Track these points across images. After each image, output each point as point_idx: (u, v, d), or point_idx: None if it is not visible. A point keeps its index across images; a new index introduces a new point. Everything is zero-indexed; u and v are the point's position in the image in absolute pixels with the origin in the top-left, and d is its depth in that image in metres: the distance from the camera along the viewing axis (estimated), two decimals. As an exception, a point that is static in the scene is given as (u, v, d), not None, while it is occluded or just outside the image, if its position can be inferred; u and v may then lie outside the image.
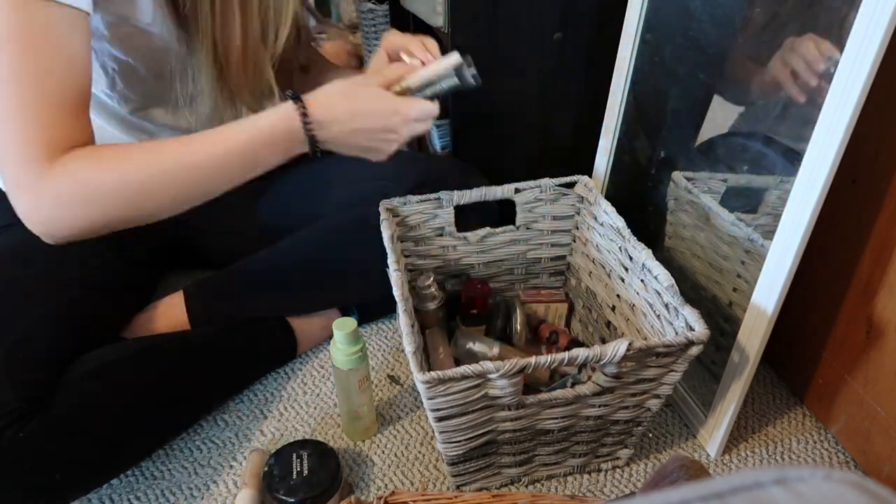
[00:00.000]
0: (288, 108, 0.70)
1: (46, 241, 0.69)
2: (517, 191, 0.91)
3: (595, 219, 0.91)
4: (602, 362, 0.65)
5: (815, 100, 0.63)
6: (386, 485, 0.81)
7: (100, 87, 0.83)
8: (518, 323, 0.90)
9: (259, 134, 0.70)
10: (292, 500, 0.70)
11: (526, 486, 0.80)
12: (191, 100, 0.82)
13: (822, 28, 0.64)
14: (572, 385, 0.71)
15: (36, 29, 0.62)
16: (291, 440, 0.82)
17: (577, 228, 0.96)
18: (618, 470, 0.82)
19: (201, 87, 0.80)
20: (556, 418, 0.71)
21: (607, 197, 0.95)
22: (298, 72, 0.94)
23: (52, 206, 0.66)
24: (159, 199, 0.69)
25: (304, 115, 0.70)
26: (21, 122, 0.64)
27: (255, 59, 0.78)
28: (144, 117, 0.88)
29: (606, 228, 0.88)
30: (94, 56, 0.77)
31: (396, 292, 0.75)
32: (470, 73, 0.74)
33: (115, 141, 0.87)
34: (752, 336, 0.73)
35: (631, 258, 0.82)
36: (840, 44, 0.58)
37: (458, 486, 0.78)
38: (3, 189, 0.69)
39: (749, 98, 0.79)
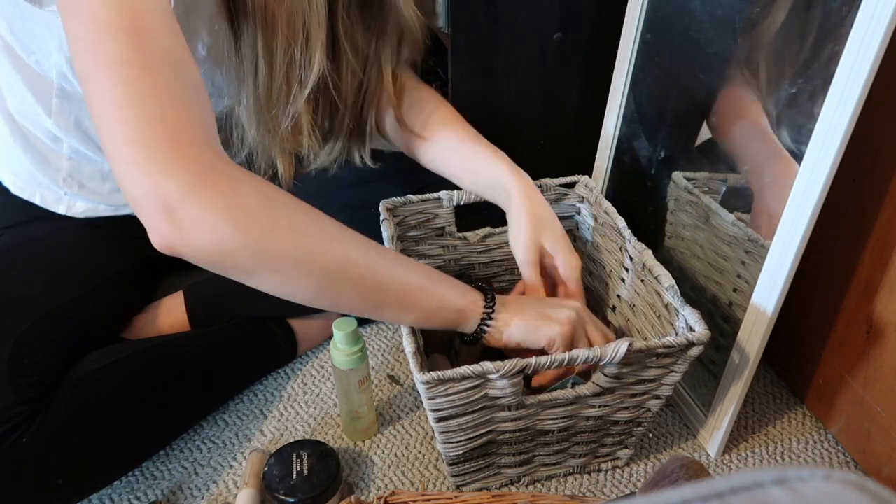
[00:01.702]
0: (478, 303, 0.69)
1: (171, 247, 0.55)
2: (517, 191, 0.91)
3: (595, 219, 0.91)
4: (602, 363, 0.65)
5: (815, 100, 0.63)
6: (386, 485, 0.81)
7: None
8: None
9: (444, 307, 0.67)
10: (292, 500, 0.70)
11: (526, 487, 0.80)
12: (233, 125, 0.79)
13: (822, 28, 0.64)
14: (573, 385, 0.71)
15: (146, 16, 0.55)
16: (291, 440, 0.82)
17: (578, 228, 0.96)
18: (618, 470, 0.82)
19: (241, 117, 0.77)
20: (556, 419, 0.71)
21: (607, 197, 0.95)
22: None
23: (229, 210, 0.54)
24: (314, 263, 0.59)
25: (491, 312, 0.69)
26: (173, 100, 0.54)
27: (284, 97, 0.74)
28: None
29: (607, 228, 0.88)
30: None
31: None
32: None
33: None
34: (752, 336, 0.73)
35: (631, 258, 0.82)
36: (840, 44, 0.58)
37: (458, 487, 0.78)
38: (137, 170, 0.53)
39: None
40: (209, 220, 0.53)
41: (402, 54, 0.84)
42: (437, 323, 0.69)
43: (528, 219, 0.78)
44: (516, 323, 0.69)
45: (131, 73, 0.53)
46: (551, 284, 0.80)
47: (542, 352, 0.69)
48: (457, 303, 0.68)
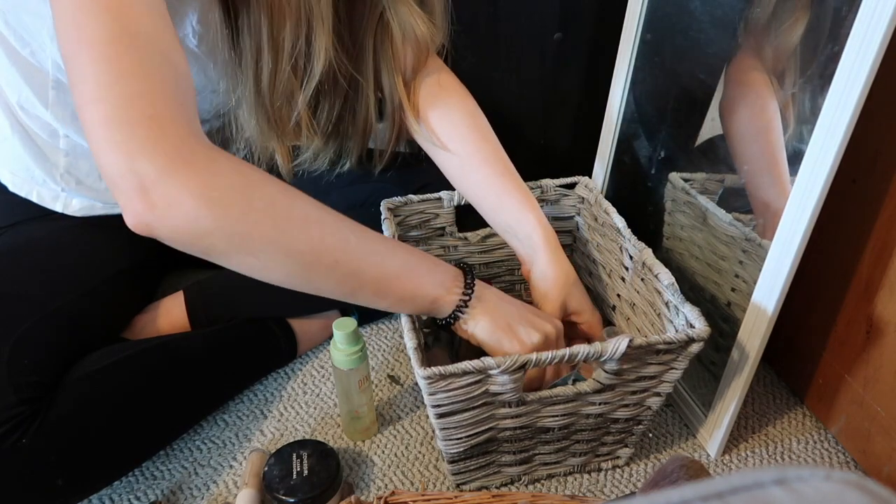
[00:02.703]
0: (454, 292, 0.68)
1: (146, 226, 0.54)
2: (517, 191, 0.91)
3: (595, 219, 0.91)
4: (603, 359, 0.65)
5: (815, 100, 0.63)
6: (386, 485, 0.81)
7: None
8: None
9: (419, 295, 0.67)
10: (292, 499, 0.70)
11: (526, 486, 0.80)
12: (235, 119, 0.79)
13: (822, 28, 0.64)
14: (574, 382, 0.71)
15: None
16: (291, 440, 0.82)
17: (578, 229, 0.96)
18: (618, 469, 0.82)
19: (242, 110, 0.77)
20: (557, 416, 0.71)
21: (607, 197, 0.95)
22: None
23: (204, 190, 0.54)
24: (290, 247, 0.59)
25: (464, 305, 0.69)
26: (153, 79, 0.54)
27: (288, 89, 0.73)
28: None
29: (607, 228, 0.88)
30: None
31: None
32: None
33: None
34: (752, 336, 0.73)
35: (631, 257, 0.82)
36: (840, 44, 0.58)
37: (458, 485, 0.78)
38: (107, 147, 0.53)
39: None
40: (184, 200, 0.53)
41: (409, 59, 0.82)
42: (411, 309, 0.69)
43: (558, 279, 0.78)
44: (484, 323, 0.69)
45: (112, 52, 0.53)
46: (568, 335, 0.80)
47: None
48: (432, 292, 0.67)
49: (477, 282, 0.70)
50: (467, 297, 0.69)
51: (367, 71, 0.81)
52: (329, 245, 0.61)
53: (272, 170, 0.83)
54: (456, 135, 0.83)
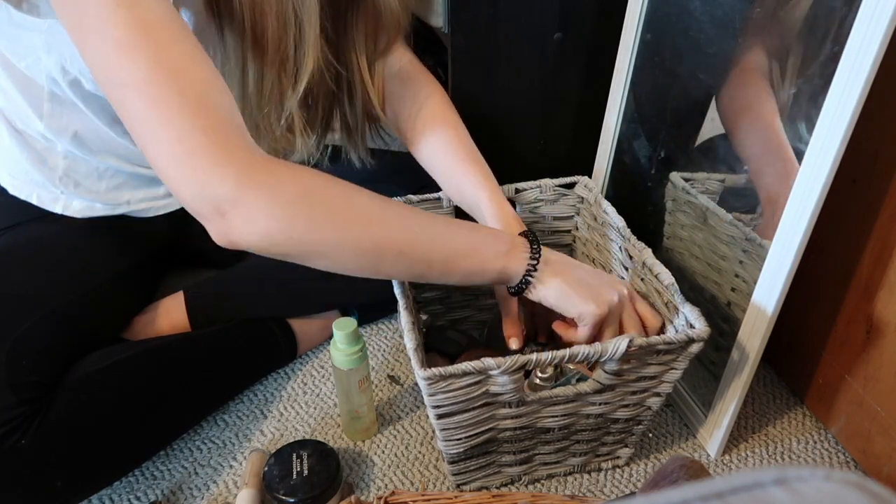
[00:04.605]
0: (521, 259, 0.68)
1: (231, 243, 0.59)
2: (517, 191, 0.91)
3: (595, 219, 0.91)
4: (603, 359, 0.65)
5: (815, 100, 0.63)
6: (386, 485, 0.81)
7: None
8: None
9: (487, 268, 0.67)
10: (292, 499, 0.70)
11: (526, 486, 0.80)
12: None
13: (822, 28, 0.64)
14: (577, 382, 0.71)
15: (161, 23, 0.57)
16: (291, 440, 0.82)
17: (577, 229, 0.96)
18: (618, 469, 0.82)
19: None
20: (557, 416, 0.71)
21: (607, 197, 0.95)
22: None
23: (277, 202, 0.58)
24: (357, 246, 0.62)
25: (533, 269, 0.68)
26: (205, 106, 0.57)
27: (278, 91, 0.74)
28: None
29: (607, 228, 0.88)
30: None
31: (397, 291, 0.75)
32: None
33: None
34: (752, 336, 0.73)
35: (631, 257, 0.82)
36: (840, 44, 0.58)
37: (458, 485, 0.78)
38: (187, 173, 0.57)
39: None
40: (256, 218, 0.57)
41: (380, 42, 0.83)
42: (481, 281, 0.69)
43: None
44: (554, 284, 0.68)
45: (156, 92, 0.56)
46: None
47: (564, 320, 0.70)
48: (499, 263, 0.68)
49: (542, 247, 0.70)
50: (535, 262, 0.68)
51: (351, 59, 0.82)
52: (392, 238, 0.63)
53: None
54: (419, 123, 0.85)
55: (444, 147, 0.84)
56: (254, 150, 0.59)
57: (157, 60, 0.56)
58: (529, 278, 0.68)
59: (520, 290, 0.69)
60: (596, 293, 0.69)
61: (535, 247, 0.69)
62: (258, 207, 0.57)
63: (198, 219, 0.59)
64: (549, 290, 0.68)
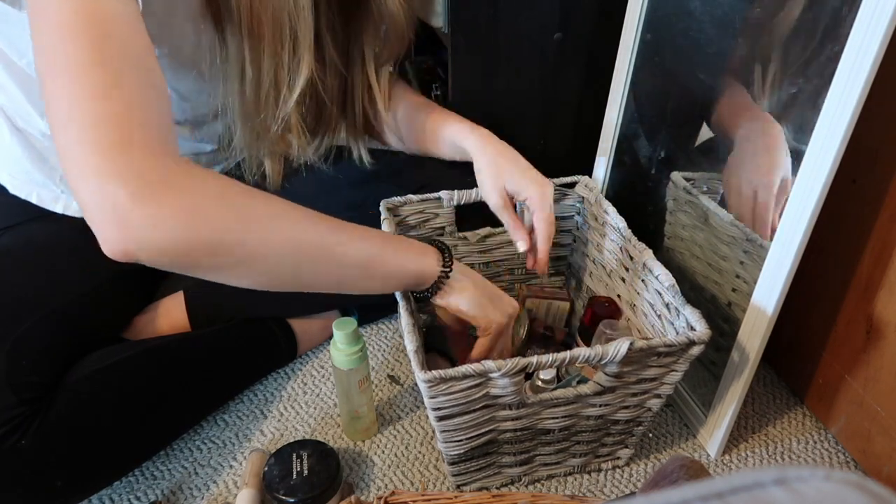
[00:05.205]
0: (434, 265, 0.70)
1: (124, 253, 0.53)
2: (517, 191, 0.91)
3: (595, 219, 0.91)
4: (604, 362, 0.65)
5: (815, 100, 0.63)
6: (386, 485, 0.81)
7: None
8: (523, 329, 0.89)
9: (403, 272, 0.68)
10: (292, 499, 0.70)
11: (526, 486, 0.80)
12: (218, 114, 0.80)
13: (822, 28, 0.64)
14: (577, 384, 0.71)
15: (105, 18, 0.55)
16: (291, 440, 0.82)
17: (578, 229, 0.96)
18: (618, 470, 0.82)
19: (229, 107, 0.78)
20: (557, 418, 0.71)
21: (607, 197, 0.95)
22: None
23: (181, 208, 0.53)
24: (268, 256, 0.59)
25: (445, 276, 0.70)
26: (128, 101, 0.53)
27: (272, 100, 0.74)
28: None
29: (607, 228, 0.88)
30: None
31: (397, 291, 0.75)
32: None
33: None
34: (752, 336, 0.73)
35: (631, 258, 0.82)
36: (840, 44, 0.58)
37: (458, 486, 0.78)
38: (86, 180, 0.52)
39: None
40: (159, 224, 0.52)
41: (385, 51, 0.85)
42: (397, 286, 0.70)
43: (486, 168, 0.83)
44: (469, 292, 0.71)
45: (87, 75, 0.52)
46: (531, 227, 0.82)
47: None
48: (415, 266, 0.69)
49: (453, 258, 0.72)
50: (448, 269, 0.70)
51: (353, 64, 0.84)
52: (307, 241, 0.61)
53: (262, 181, 0.85)
54: (399, 109, 0.91)
55: (418, 111, 0.90)
56: (173, 156, 0.55)
57: (99, 48, 0.53)
58: (442, 284, 0.70)
59: (433, 292, 0.70)
60: (500, 305, 0.73)
61: (447, 255, 0.71)
62: (163, 213, 0.52)
63: (88, 222, 0.53)
64: (462, 297, 0.71)
